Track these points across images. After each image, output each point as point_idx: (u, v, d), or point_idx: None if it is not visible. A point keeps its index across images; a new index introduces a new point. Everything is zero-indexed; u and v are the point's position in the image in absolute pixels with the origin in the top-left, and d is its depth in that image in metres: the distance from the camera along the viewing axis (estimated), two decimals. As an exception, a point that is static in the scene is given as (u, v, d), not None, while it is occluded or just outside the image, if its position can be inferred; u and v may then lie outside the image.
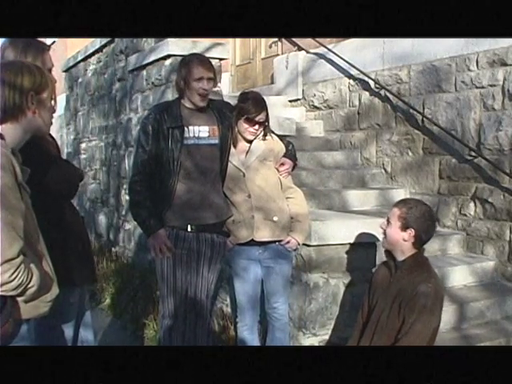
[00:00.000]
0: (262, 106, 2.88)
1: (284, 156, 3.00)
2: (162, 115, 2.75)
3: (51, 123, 1.83)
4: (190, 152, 2.76)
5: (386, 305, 2.44)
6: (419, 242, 2.46)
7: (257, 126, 2.87)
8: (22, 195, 1.59)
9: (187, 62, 2.78)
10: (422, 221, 2.42)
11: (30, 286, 1.58)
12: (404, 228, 2.43)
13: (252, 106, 2.86)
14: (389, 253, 2.54)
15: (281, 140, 3.04)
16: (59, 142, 2.49)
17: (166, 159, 2.73)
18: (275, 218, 2.89)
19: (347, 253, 3.33)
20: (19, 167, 1.59)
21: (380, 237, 2.65)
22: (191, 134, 2.77)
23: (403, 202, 2.53)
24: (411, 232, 2.42)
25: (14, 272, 1.50)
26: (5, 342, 1.60)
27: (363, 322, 2.60)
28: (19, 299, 1.60)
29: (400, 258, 2.48)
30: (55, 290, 1.74)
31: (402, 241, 2.44)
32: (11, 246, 1.50)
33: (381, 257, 2.90)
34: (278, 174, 2.97)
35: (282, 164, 2.98)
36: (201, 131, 2.79)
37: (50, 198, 2.04)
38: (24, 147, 1.72)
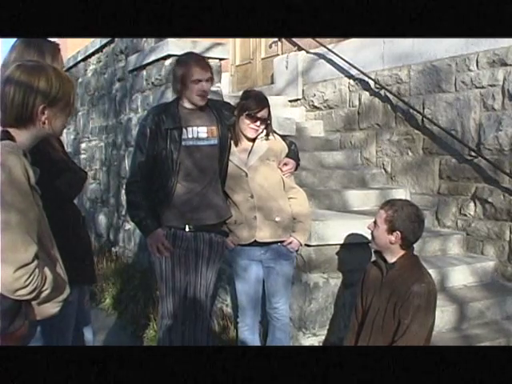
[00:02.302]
0: (263, 102, 2.88)
1: (287, 156, 2.99)
2: (160, 116, 2.75)
3: (65, 126, 1.80)
4: (189, 153, 2.76)
5: (380, 306, 2.44)
6: (407, 244, 2.45)
7: (258, 123, 2.86)
8: (34, 198, 1.58)
9: (183, 63, 2.76)
10: (409, 223, 2.40)
11: (43, 289, 1.57)
12: (390, 231, 2.41)
13: (253, 102, 2.85)
14: (379, 253, 2.54)
15: (283, 140, 3.04)
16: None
17: (165, 160, 2.73)
18: (277, 219, 2.89)
19: (347, 253, 3.33)
20: (31, 169, 1.57)
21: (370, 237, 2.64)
22: (190, 135, 2.76)
23: (389, 203, 2.49)
24: (398, 234, 2.40)
25: (30, 277, 1.49)
26: (21, 344, 1.61)
27: (358, 324, 2.60)
28: (33, 301, 1.59)
29: (390, 259, 2.47)
30: (67, 291, 1.74)
31: (390, 243, 2.43)
32: (26, 250, 1.49)
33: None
34: (280, 174, 2.96)
35: (285, 164, 2.97)
36: (199, 132, 2.78)
37: (51, 197, 2.04)
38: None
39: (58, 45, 2.18)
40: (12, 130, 1.62)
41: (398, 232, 2.40)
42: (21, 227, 1.48)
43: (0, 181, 1.47)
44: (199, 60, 2.79)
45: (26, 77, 1.64)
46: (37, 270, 1.52)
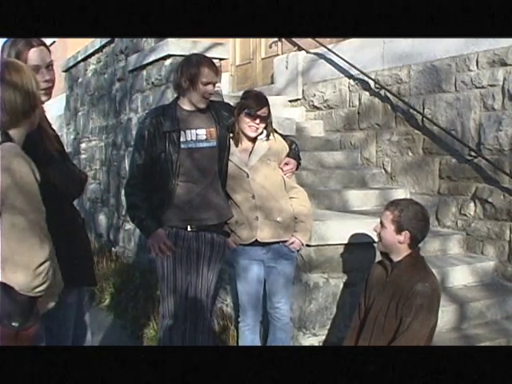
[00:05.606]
0: (263, 101, 2.88)
1: (288, 155, 2.99)
2: (159, 119, 2.75)
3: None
4: (189, 154, 2.77)
5: (382, 305, 2.44)
6: (415, 243, 2.45)
7: (258, 121, 2.85)
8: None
9: (196, 63, 2.73)
10: (416, 221, 2.41)
11: (53, 284, 1.60)
12: (399, 231, 2.41)
13: (253, 100, 2.86)
14: (385, 254, 2.54)
15: (284, 139, 3.04)
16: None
17: (165, 162, 2.73)
18: (279, 219, 2.89)
19: (347, 253, 3.33)
20: (36, 168, 1.59)
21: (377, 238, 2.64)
22: (188, 138, 2.77)
23: (395, 204, 2.49)
24: (406, 234, 2.41)
25: (47, 273, 1.52)
26: (35, 342, 1.62)
27: (360, 322, 2.60)
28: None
29: (396, 258, 2.47)
30: (62, 284, 1.76)
31: (398, 243, 2.43)
32: (42, 248, 1.51)
33: (380, 257, 2.90)
34: (281, 174, 2.96)
35: (286, 164, 2.97)
36: (198, 134, 2.78)
37: (50, 198, 2.03)
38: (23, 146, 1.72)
39: (30, 43, 2.14)
40: (9, 131, 1.63)
41: (406, 231, 2.40)
42: (35, 227, 1.51)
43: (7, 185, 1.47)
44: (212, 63, 2.79)
45: (16, 73, 1.65)
46: (51, 267, 1.55)
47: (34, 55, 2.09)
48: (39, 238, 1.51)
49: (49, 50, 2.18)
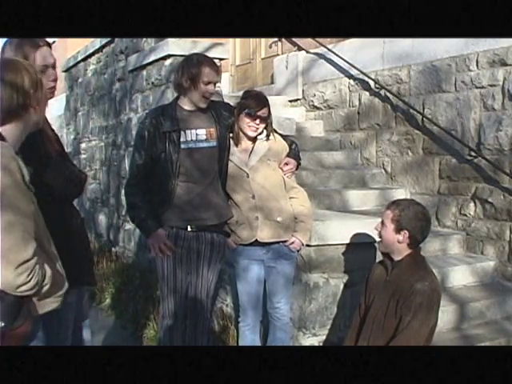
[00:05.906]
0: (263, 101, 2.88)
1: (287, 155, 2.99)
2: (159, 119, 2.75)
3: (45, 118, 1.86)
4: (189, 155, 2.76)
5: (382, 303, 2.44)
6: (414, 243, 2.46)
7: (258, 121, 2.85)
8: (29, 196, 1.60)
9: (197, 62, 2.73)
10: (416, 221, 2.42)
11: (44, 284, 1.61)
12: (398, 230, 2.42)
13: (253, 100, 2.86)
14: (386, 253, 2.55)
15: (284, 139, 3.04)
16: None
17: (165, 162, 2.73)
18: (279, 219, 2.89)
19: (347, 253, 3.33)
20: (25, 167, 1.59)
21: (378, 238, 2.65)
22: (188, 138, 2.77)
23: (396, 203, 2.51)
24: (405, 233, 2.41)
25: (31, 273, 1.52)
26: (25, 342, 1.62)
27: (360, 322, 2.60)
28: (34, 297, 1.62)
29: (397, 257, 2.48)
30: (65, 286, 1.77)
31: (397, 242, 2.44)
32: (26, 247, 1.52)
33: (380, 257, 2.90)
34: (281, 174, 2.96)
35: (286, 164, 2.97)
36: (198, 134, 2.78)
37: (49, 198, 2.03)
38: (22, 146, 1.72)
39: (36, 43, 2.14)
40: (2, 129, 1.63)
41: (405, 231, 2.41)
42: (20, 226, 1.51)
43: (1, 183, 1.48)
44: (213, 62, 2.79)
45: (10, 72, 1.66)
46: (37, 266, 1.55)
47: (40, 56, 2.10)
48: (22, 236, 1.51)
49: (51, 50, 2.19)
